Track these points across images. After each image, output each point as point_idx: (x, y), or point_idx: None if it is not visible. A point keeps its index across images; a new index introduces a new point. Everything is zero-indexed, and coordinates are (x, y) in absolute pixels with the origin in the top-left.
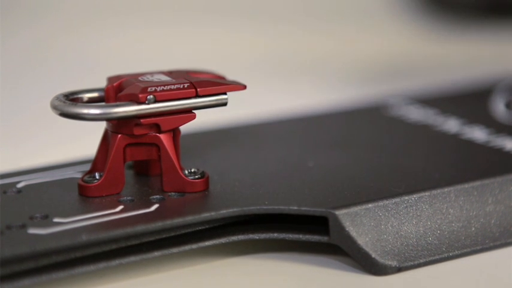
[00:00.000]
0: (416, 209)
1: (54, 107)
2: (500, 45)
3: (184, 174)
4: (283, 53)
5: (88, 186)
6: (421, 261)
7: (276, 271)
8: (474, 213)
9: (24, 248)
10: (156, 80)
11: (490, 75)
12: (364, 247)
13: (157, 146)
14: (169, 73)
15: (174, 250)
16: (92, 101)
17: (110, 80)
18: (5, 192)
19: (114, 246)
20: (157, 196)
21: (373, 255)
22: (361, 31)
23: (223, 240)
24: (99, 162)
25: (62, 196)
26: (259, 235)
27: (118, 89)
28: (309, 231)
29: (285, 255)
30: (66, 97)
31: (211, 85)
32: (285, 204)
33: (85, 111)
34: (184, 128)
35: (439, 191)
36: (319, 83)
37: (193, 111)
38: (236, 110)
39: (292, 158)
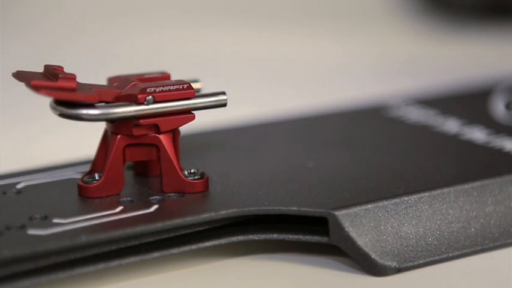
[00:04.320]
0: (416, 210)
1: (53, 108)
2: (500, 45)
3: (184, 175)
4: (282, 54)
5: (88, 187)
6: (421, 262)
7: (275, 272)
8: (474, 213)
9: (24, 249)
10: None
11: (490, 76)
12: (364, 248)
13: (157, 146)
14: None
15: (174, 251)
16: None
17: (110, 80)
18: (4, 193)
19: (113, 247)
20: (157, 197)
21: (372, 256)
22: (361, 31)
23: (223, 241)
24: (98, 162)
25: (61, 197)
26: (259, 236)
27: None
28: (308, 232)
29: (284, 256)
30: None
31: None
32: (285, 205)
33: (84, 111)
34: (184, 129)
35: (438, 191)
36: (318, 84)
37: (192, 111)
38: (236, 110)
39: (292, 159)
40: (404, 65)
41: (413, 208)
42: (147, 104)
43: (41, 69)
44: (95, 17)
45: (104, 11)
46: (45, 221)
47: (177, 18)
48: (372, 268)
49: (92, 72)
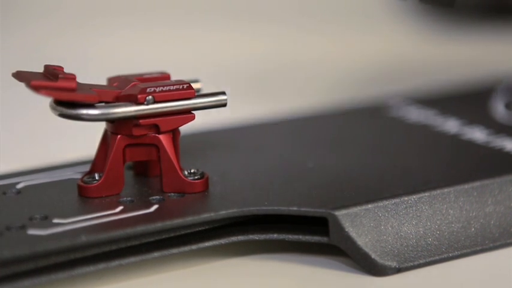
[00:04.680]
0: (416, 210)
1: (53, 108)
2: (500, 45)
3: (184, 175)
4: (283, 54)
5: (88, 187)
6: (421, 262)
7: (275, 272)
8: (474, 214)
9: (24, 249)
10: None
11: (490, 75)
12: (364, 248)
13: (157, 146)
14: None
15: (174, 251)
16: None
17: (110, 80)
18: (4, 193)
19: (113, 247)
20: (157, 197)
21: (372, 256)
22: (360, 31)
23: (223, 241)
24: (98, 162)
25: (61, 197)
26: (259, 236)
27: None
28: (308, 232)
29: (284, 256)
30: None
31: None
32: (285, 205)
33: (84, 111)
34: (184, 129)
35: (438, 191)
36: (319, 84)
37: (192, 111)
38: (236, 110)
39: (292, 159)
40: (404, 65)
41: (414, 208)
42: (147, 104)
43: (41, 69)
44: (95, 17)
45: (104, 11)
46: (45, 221)
47: (177, 18)
48: (372, 268)
49: (92, 72)
